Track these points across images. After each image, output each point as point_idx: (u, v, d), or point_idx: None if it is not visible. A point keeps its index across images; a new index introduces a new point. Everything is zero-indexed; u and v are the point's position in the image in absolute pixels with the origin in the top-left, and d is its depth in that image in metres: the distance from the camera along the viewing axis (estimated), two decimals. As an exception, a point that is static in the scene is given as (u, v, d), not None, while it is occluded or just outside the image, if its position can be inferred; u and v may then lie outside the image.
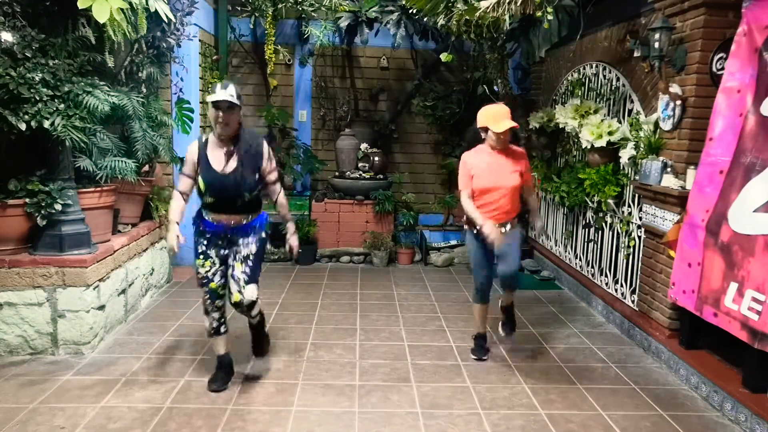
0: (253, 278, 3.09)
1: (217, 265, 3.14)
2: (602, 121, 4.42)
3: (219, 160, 3.02)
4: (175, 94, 5.33)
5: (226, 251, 3.14)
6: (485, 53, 5.46)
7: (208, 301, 3.17)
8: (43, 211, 3.50)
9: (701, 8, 3.42)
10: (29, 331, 3.58)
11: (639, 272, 4.12)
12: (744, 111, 2.96)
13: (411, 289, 5.38)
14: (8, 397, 3.08)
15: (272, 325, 4.27)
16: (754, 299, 2.75)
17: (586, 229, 5.08)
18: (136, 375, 3.39)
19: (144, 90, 4.60)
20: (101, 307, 3.79)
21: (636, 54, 4.01)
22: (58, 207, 3.53)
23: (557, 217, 5.80)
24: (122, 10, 3.42)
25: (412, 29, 5.70)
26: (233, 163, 3.01)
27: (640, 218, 4.09)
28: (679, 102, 3.57)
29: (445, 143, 6.89)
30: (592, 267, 4.96)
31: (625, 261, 4.36)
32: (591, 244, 5.00)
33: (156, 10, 3.81)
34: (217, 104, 2.92)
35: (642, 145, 3.94)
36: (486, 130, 3.46)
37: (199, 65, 5.75)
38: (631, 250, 4.25)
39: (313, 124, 6.94)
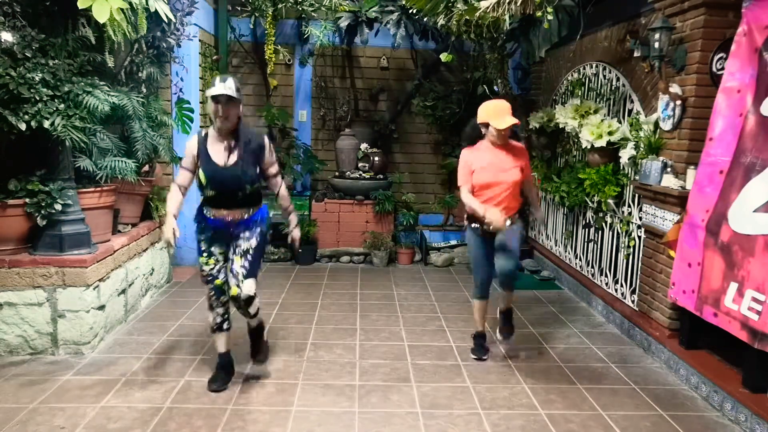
0: (251, 273, 3.09)
1: (221, 262, 3.15)
2: (602, 121, 4.42)
3: (219, 154, 3.03)
4: (175, 94, 5.33)
5: (229, 247, 3.14)
6: (485, 53, 5.47)
7: (213, 297, 3.20)
8: (43, 211, 3.50)
9: (701, 8, 3.42)
10: (29, 331, 3.58)
11: (639, 272, 4.12)
12: (744, 111, 2.96)
13: (411, 289, 5.38)
14: (8, 397, 3.08)
15: (272, 325, 4.27)
16: (754, 299, 2.75)
17: (586, 229, 5.08)
18: (136, 375, 3.39)
19: (144, 90, 4.60)
20: (101, 307, 3.79)
21: (636, 54, 4.01)
22: (58, 207, 3.53)
23: (557, 217, 5.80)
24: (122, 10, 3.42)
25: (412, 29, 5.70)
26: (234, 157, 3.03)
27: (640, 218, 4.09)
28: (679, 102, 3.57)
29: (445, 143, 6.89)
30: (592, 267, 4.96)
31: (625, 261, 4.36)
32: (591, 244, 5.00)
33: (156, 10, 3.81)
34: (216, 98, 2.93)
35: (642, 145, 3.94)
36: (487, 125, 3.46)
37: (199, 65, 5.75)
38: (631, 250, 4.25)
39: (313, 124, 6.94)
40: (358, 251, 6.37)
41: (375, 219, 6.36)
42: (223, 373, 3.30)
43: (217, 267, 3.15)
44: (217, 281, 3.15)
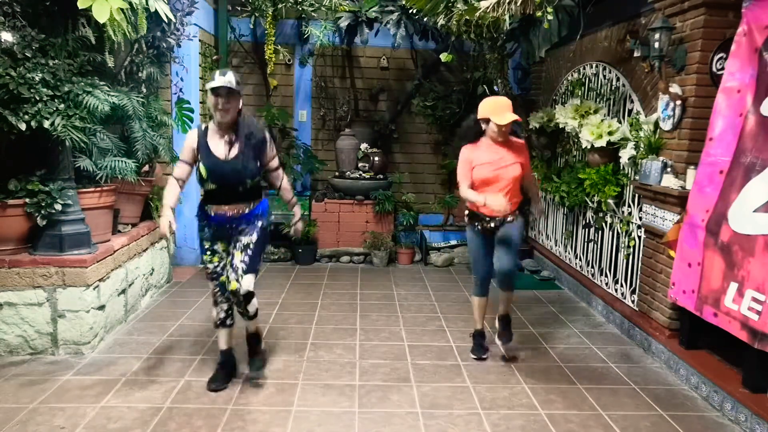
0: (251, 268, 3.09)
1: (225, 259, 3.16)
2: (602, 121, 4.42)
3: (220, 147, 3.03)
4: (175, 94, 5.33)
5: (231, 242, 3.14)
6: (485, 53, 5.47)
7: (218, 293, 3.22)
8: (43, 211, 3.50)
9: (701, 8, 3.42)
10: (29, 331, 3.58)
11: (639, 272, 4.12)
12: (744, 111, 2.96)
13: (411, 289, 5.38)
14: (8, 397, 3.08)
15: (272, 325, 4.27)
16: (754, 299, 2.75)
17: (586, 229, 5.08)
18: (136, 375, 3.39)
19: (144, 90, 4.60)
20: (101, 307, 3.79)
21: (636, 54, 4.01)
22: (58, 207, 3.52)
23: (557, 217, 5.80)
24: (122, 10, 3.42)
25: (412, 29, 5.70)
26: (234, 150, 3.02)
27: (640, 218, 4.09)
28: (679, 102, 3.57)
29: (445, 143, 6.89)
30: (592, 267, 4.96)
31: (625, 261, 4.36)
32: (591, 244, 5.00)
33: (156, 10, 3.81)
34: (216, 91, 2.92)
35: (642, 145, 3.94)
36: (487, 121, 3.44)
37: (199, 65, 5.75)
38: (631, 250, 4.25)
39: (313, 124, 6.94)
40: (358, 251, 6.37)
41: (375, 219, 6.36)
42: (223, 373, 3.30)
43: (222, 264, 3.16)
44: (222, 278, 3.16)
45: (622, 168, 4.37)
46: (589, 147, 4.46)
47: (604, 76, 4.77)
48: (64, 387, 3.21)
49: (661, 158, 3.74)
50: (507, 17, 3.93)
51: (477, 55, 6.12)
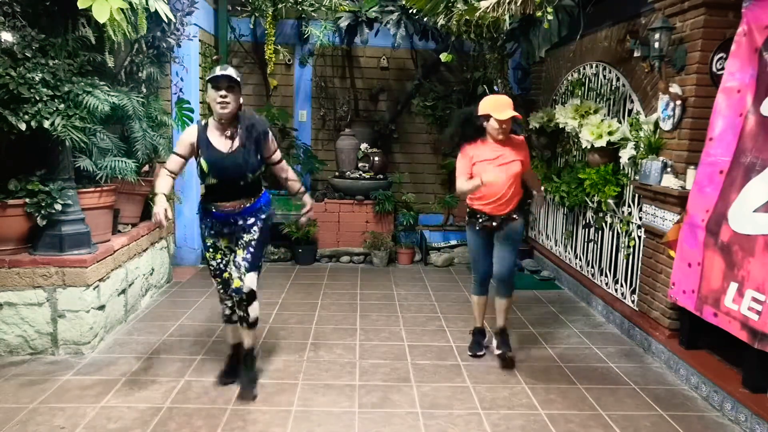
0: (253, 265, 3.09)
1: (228, 256, 3.15)
2: (602, 121, 4.42)
3: (221, 142, 3.01)
4: (175, 94, 5.33)
5: (232, 239, 3.13)
6: (485, 53, 5.47)
7: (222, 290, 3.22)
8: (43, 211, 3.50)
9: (701, 8, 3.42)
10: (29, 331, 3.58)
11: (639, 272, 4.12)
12: (744, 111, 2.96)
13: (411, 289, 5.38)
14: (8, 397, 3.08)
15: (272, 325, 4.27)
16: (754, 299, 2.75)
17: (586, 229, 5.08)
18: (136, 375, 3.39)
19: (144, 90, 4.60)
20: (101, 307, 3.79)
21: (636, 54, 4.01)
22: (58, 207, 3.52)
23: (557, 217, 5.80)
24: (122, 10, 3.42)
25: (412, 29, 5.70)
26: (235, 144, 3.01)
27: (640, 218, 4.09)
28: (679, 102, 3.57)
29: (446, 147, 6.88)
30: (592, 267, 4.96)
31: (625, 261, 4.36)
32: (591, 244, 5.00)
33: (156, 10, 3.81)
34: (216, 83, 2.90)
35: (642, 145, 3.94)
36: (487, 118, 3.43)
37: (199, 65, 5.75)
38: (631, 250, 4.25)
39: (313, 124, 6.94)
40: (358, 251, 6.37)
41: (375, 219, 6.36)
42: (231, 366, 3.32)
43: (224, 261, 3.16)
44: (225, 275, 3.16)
45: (622, 168, 4.37)
46: (589, 147, 4.46)
47: (604, 76, 4.77)
48: (64, 387, 3.21)
49: (661, 158, 3.74)
50: (507, 17, 3.93)
51: (477, 55, 6.13)
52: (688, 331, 3.52)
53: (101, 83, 3.70)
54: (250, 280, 3.07)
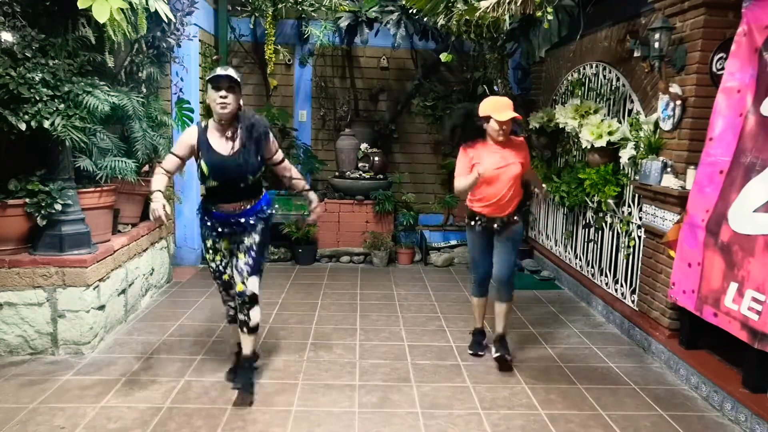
0: (255, 270, 3.10)
1: (228, 258, 3.15)
2: (602, 121, 4.42)
3: (221, 144, 3.00)
4: (175, 94, 5.33)
5: (233, 241, 3.12)
6: (485, 53, 5.47)
7: (223, 291, 3.23)
8: (43, 211, 3.50)
9: (701, 8, 3.42)
10: (29, 331, 3.58)
11: (639, 272, 4.12)
12: (744, 111, 2.96)
13: (411, 289, 5.38)
14: (8, 397, 3.08)
15: (272, 325, 4.27)
16: (754, 299, 2.75)
17: (586, 229, 5.08)
18: (136, 375, 3.39)
19: (144, 90, 4.60)
20: (101, 307, 3.79)
21: (636, 54, 4.01)
22: (58, 207, 3.52)
23: (557, 217, 5.80)
24: (122, 10, 3.42)
25: (412, 29, 5.70)
26: (236, 146, 2.99)
27: (640, 218, 4.09)
28: (679, 102, 3.57)
29: (445, 143, 6.89)
30: (592, 267, 4.96)
31: (625, 261, 4.36)
32: (591, 244, 5.00)
33: (156, 10, 3.81)
34: (217, 83, 2.89)
35: (642, 145, 3.94)
36: (488, 119, 3.43)
37: (199, 65, 5.75)
38: (631, 250, 4.25)
39: (313, 124, 6.94)
40: (358, 251, 6.37)
41: (375, 219, 6.36)
42: (235, 365, 3.33)
43: (224, 263, 3.16)
44: (225, 276, 3.16)
45: (622, 168, 4.37)
46: (589, 147, 4.46)
47: (604, 76, 4.77)
48: (64, 387, 3.21)
49: (661, 158, 3.74)
50: (507, 17, 3.93)
51: (477, 55, 6.12)
52: (688, 331, 3.52)
53: (101, 83, 3.70)
54: (252, 284, 3.08)
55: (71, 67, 3.57)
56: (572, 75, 5.41)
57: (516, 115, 3.36)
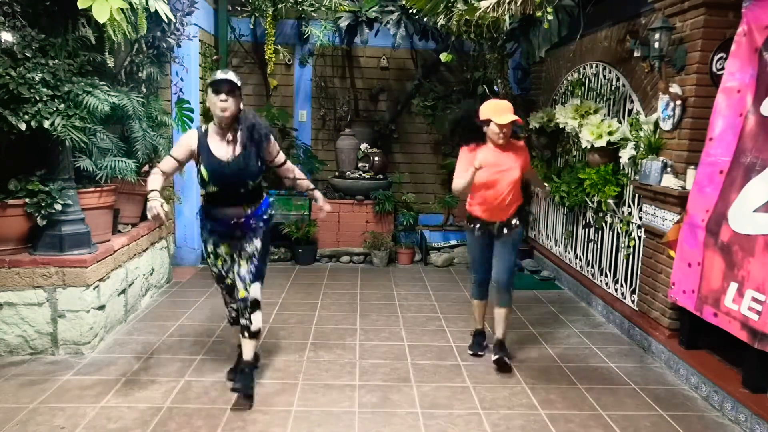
0: (257, 276, 3.10)
1: (229, 262, 3.14)
2: (602, 121, 4.42)
3: (221, 148, 2.98)
4: (175, 94, 5.33)
5: (234, 245, 3.11)
6: (485, 53, 5.47)
7: (225, 294, 3.24)
8: (43, 211, 3.49)
9: (701, 8, 3.42)
10: (29, 331, 3.58)
11: (639, 272, 4.12)
12: (744, 111, 2.96)
13: (411, 289, 5.38)
14: (8, 397, 3.08)
15: (272, 325, 4.27)
16: (754, 299, 2.75)
17: (586, 229, 5.08)
18: (136, 375, 3.39)
19: (144, 90, 4.60)
20: (101, 307, 3.79)
21: (636, 54, 4.01)
22: (58, 207, 3.52)
23: (557, 217, 5.80)
24: (122, 10, 3.42)
25: (412, 29, 5.70)
26: (236, 150, 2.98)
27: (640, 218, 4.09)
28: (679, 102, 3.57)
29: (445, 143, 6.89)
30: (592, 267, 4.96)
31: (625, 261, 4.36)
32: (591, 244, 5.00)
33: (156, 10, 3.81)
34: (217, 87, 2.87)
35: (642, 145, 3.94)
36: (488, 122, 3.42)
37: (199, 65, 5.75)
38: (631, 250, 4.25)
39: (313, 124, 6.94)
40: (358, 251, 6.37)
41: (375, 219, 6.36)
42: (237, 366, 3.33)
43: (226, 267, 3.14)
44: (228, 280, 3.16)
45: (622, 168, 4.37)
46: (589, 147, 4.46)
47: (604, 76, 4.77)
48: (64, 387, 3.21)
49: (661, 158, 3.74)
50: (507, 17, 3.93)
51: (477, 55, 6.12)
52: (688, 331, 3.52)
53: (101, 83, 3.70)
54: (255, 291, 3.08)
55: (71, 67, 3.57)
56: (572, 75, 5.41)
57: (516, 118, 3.37)
